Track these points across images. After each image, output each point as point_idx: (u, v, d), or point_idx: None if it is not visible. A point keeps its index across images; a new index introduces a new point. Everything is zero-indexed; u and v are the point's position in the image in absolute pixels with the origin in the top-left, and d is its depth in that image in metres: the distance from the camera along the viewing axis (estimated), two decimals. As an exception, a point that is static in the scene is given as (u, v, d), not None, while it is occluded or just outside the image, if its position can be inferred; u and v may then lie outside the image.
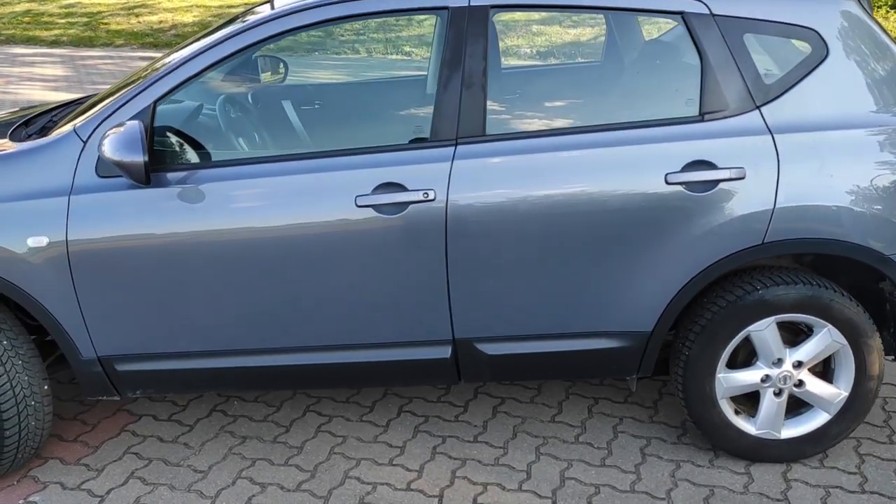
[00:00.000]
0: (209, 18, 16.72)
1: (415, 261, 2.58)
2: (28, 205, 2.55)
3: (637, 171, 2.55)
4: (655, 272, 2.61)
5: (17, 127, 3.02)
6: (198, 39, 3.31)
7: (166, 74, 2.58)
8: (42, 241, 2.54)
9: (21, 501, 2.75)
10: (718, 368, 2.74)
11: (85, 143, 2.57)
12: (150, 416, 3.23)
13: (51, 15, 17.91)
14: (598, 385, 3.34)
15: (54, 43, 15.02)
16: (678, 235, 2.57)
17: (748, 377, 2.76)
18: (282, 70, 3.59)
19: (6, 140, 2.88)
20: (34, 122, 3.10)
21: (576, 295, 2.63)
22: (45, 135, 2.89)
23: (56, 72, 11.31)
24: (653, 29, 3.40)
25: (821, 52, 2.56)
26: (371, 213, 2.54)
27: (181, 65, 2.59)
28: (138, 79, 3.04)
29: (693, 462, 2.87)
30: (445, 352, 2.70)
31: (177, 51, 3.21)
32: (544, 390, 3.30)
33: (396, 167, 2.56)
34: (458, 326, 2.68)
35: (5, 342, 2.66)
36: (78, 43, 15.10)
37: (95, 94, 3.55)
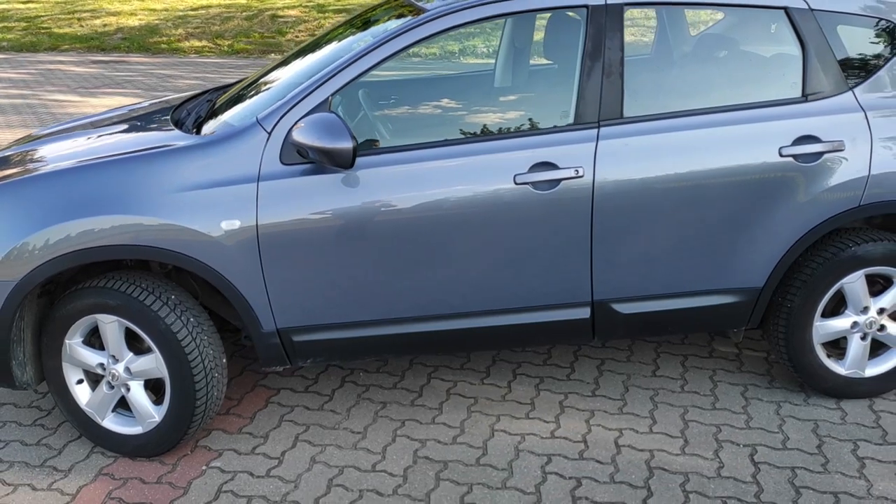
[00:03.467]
0: (156, 21, 16.56)
1: (564, 231, 2.92)
2: (220, 191, 2.78)
3: (755, 145, 2.94)
4: (769, 234, 3.01)
5: (179, 120, 3.25)
6: (326, 39, 3.57)
7: (342, 70, 2.85)
8: (234, 224, 2.78)
9: (204, 467, 2.97)
10: (816, 317, 3.16)
11: (270, 133, 2.82)
12: (288, 389, 3.47)
13: (-14, 20, 17.35)
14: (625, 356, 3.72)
15: (-2, 48, 14.60)
16: (789, 201, 2.98)
17: (840, 324, 3.19)
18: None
19: (176, 130, 3.09)
20: (179, 113, 3.33)
21: (701, 257, 3.01)
22: (199, 126, 3.11)
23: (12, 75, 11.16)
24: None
25: (899, 42, 3.01)
26: (528, 189, 2.86)
27: (354, 61, 2.85)
28: (264, 74, 3.30)
29: (791, 402, 3.28)
30: (585, 312, 3.05)
31: (307, 51, 3.47)
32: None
33: (549, 148, 2.89)
34: (597, 289, 3.03)
35: (192, 319, 2.88)
36: (20, 48, 14.81)
37: (228, 88, 3.78)
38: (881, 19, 3.05)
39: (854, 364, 3.24)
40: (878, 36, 3.07)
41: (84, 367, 2.97)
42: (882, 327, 3.21)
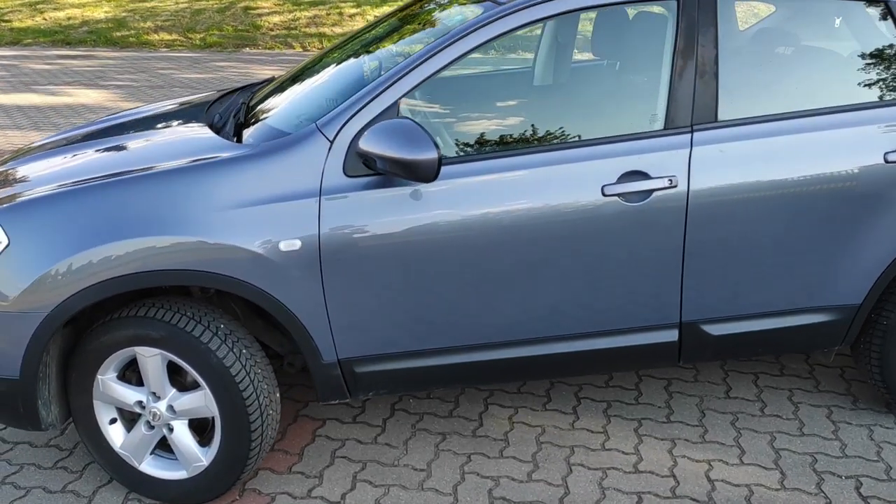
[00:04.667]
0: (123, 14, 16.02)
1: (655, 246, 2.65)
2: (278, 208, 2.46)
3: (857, 151, 2.70)
4: (872, 247, 2.78)
5: (213, 125, 2.92)
6: (368, 35, 3.25)
7: (410, 71, 2.54)
8: (295, 244, 2.46)
9: (257, 515, 2.65)
10: (911, 335, 2.93)
11: (332, 141, 2.50)
12: (334, 419, 3.16)
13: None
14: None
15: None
16: (891, 211, 2.74)
17: (935, 342, 2.97)
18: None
19: (217, 137, 2.76)
20: (211, 117, 2.99)
21: (797, 273, 2.77)
22: (238, 130, 2.79)
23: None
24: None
25: None
26: (617, 201, 2.59)
27: (427, 58, 2.55)
28: (301, 73, 2.98)
29: (881, 425, 3.06)
30: (673, 335, 2.78)
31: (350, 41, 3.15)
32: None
33: (639, 155, 2.62)
34: (686, 309, 2.76)
35: (245, 351, 2.56)
36: (-19, 42, 14.16)
37: (257, 87, 3.44)
38: None
39: (948, 382, 3.03)
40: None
41: (119, 405, 2.64)
42: (977, 344, 2.99)
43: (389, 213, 2.49)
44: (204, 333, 2.49)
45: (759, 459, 2.88)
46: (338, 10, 14.60)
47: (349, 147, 2.50)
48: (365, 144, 2.42)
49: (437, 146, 2.34)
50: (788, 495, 2.70)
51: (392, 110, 2.52)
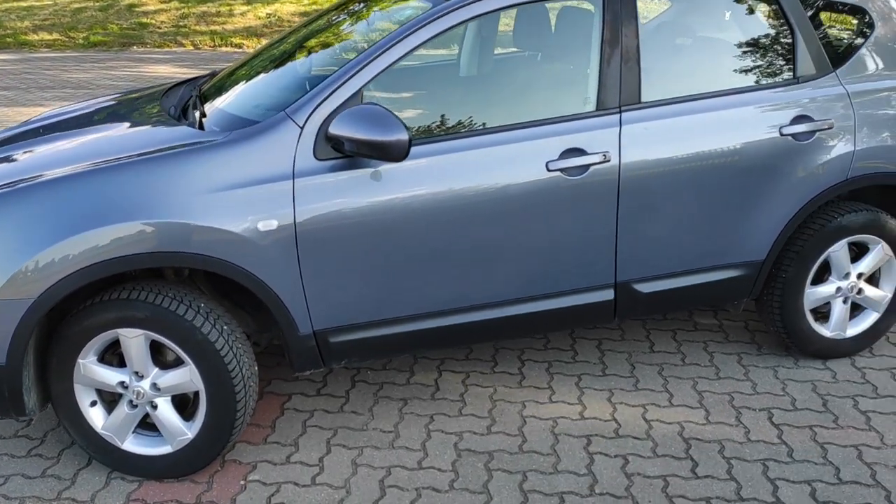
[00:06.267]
0: None
1: (592, 215, 2.98)
2: (254, 190, 2.63)
3: (757, 126, 3.11)
4: (772, 209, 3.19)
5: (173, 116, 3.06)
6: (314, 27, 3.45)
7: (372, 60, 2.76)
8: (272, 224, 2.64)
9: (242, 482, 2.82)
10: (806, 286, 3.38)
11: (302, 128, 2.70)
12: (299, 393, 3.35)
13: None
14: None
15: None
16: (787, 177, 3.17)
17: (826, 290, 3.44)
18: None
19: (185, 126, 2.90)
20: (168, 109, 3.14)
21: (715, 233, 3.15)
22: (199, 119, 2.95)
23: None
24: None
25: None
26: (559, 175, 2.90)
27: (384, 51, 2.77)
28: (248, 63, 3.17)
29: (783, 366, 3.50)
30: (609, 294, 3.12)
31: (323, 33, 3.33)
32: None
33: (576, 134, 2.94)
34: (620, 270, 3.11)
35: (225, 327, 2.72)
36: None
37: (208, 78, 3.57)
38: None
39: (837, 326, 3.49)
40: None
41: (100, 387, 2.75)
42: (860, 291, 3.47)
43: (357, 193, 2.71)
44: (188, 312, 2.64)
45: (685, 401, 3.26)
46: (228, 7, 14.46)
47: (318, 132, 2.70)
48: (336, 129, 2.63)
49: (406, 128, 2.57)
50: (714, 428, 3.08)
51: (356, 97, 2.74)
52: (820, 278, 3.46)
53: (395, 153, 2.57)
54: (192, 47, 13.21)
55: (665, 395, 3.30)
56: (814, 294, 3.42)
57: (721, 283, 3.27)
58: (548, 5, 3.19)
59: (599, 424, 3.11)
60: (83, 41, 13.57)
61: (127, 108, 3.47)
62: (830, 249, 3.36)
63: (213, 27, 13.93)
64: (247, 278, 2.66)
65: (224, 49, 13.07)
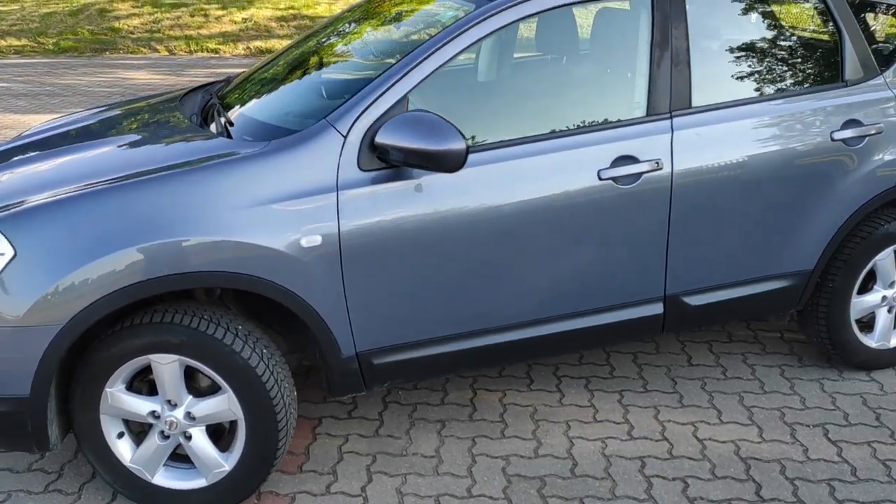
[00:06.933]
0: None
1: (643, 226, 2.84)
2: (297, 204, 2.45)
3: (808, 132, 3.00)
4: (822, 216, 3.09)
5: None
6: (337, 30, 3.27)
7: (419, 63, 2.59)
8: (316, 239, 2.47)
9: (282, 515, 2.64)
10: (852, 295, 3.28)
11: (345, 136, 2.52)
12: (330, 417, 3.17)
13: None
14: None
15: None
16: (838, 183, 3.06)
17: (871, 299, 3.34)
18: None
19: (217, 138, 2.71)
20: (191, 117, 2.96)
21: (765, 243, 3.04)
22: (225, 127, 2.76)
23: None
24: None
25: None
26: (611, 183, 2.76)
27: (430, 55, 2.60)
28: (267, 66, 3.00)
29: (828, 378, 3.39)
30: (658, 308, 2.99)
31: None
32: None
33: (628, 141, 2.80)
34: (669, 283, 2.97)
35: (265, 351, 2.54)
36: None
37: (227, 80, 3.37)
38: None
39: (882, 336, 3.40)
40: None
41: (129, 417, 2.54)
42: (905, 299, 3.38)
43: (404, 205, 2.54)
44: (226, 336, 2.45)
45: (735, 417, 3.13)
46: (202, 12, 14.18)
47: (362, 140, 2.52)
48: (384, 137, 2.46)
49: (463, 137, 2.41)
50: (770, 446, 2.96)
51: (402, 103, 2.57)
52: (864, 288, 3.36)
53: (450, 163, 2.41)
54: (166, 53, 12.92)
55: (713, 411, 3.17)
56: (860, 304, 3.32)
57: (769, 295, 3.15)
58: (591, 7, 3.03)
59: (651, 445, 2.97)
60: (53, 47, 13.21)
61: (139, 117, 3.26)
62: (877, 257, 3.26)
63: (187, 32, 13.64)
64: (288, 298, 2.48)
65: (200, 54, 12.80)
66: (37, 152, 2.98)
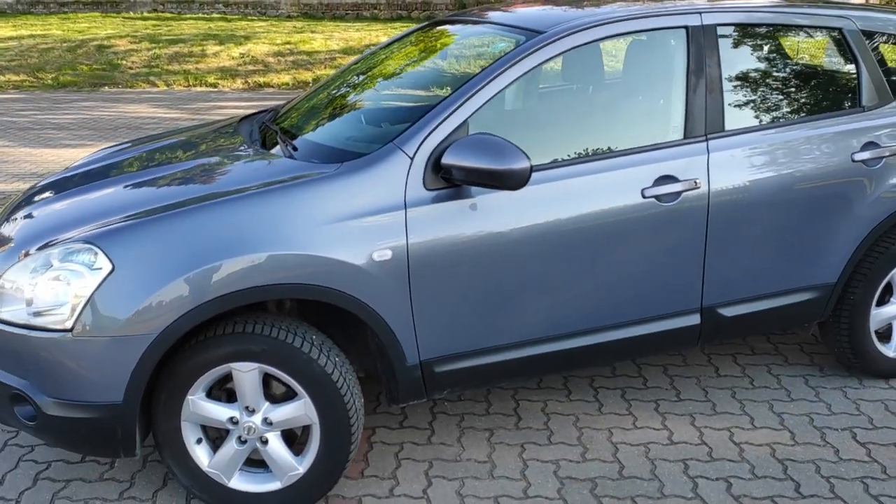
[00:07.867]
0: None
1: (682, 240, 3.04)
2: (369, 221, 2.63)
3: (830, 153, 3.22)
4: (844, 232, 3.30)
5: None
6: (386, 58, 3.47)
7: (479, 89, 2.79)
8: (386, 254, 2.64)
9: (352, 517, 2.77)
10: (872, 307, 3.49)
11: (412, 158, 2.71)
12: (383, 427, 3.31)
13: None
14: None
15: None
16: (859, 201, 3.28)
17: (889, 311, 3.55)
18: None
19: (284, 158, 2.90)
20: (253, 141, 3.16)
21: (793, 257, 3.24)
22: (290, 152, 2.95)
23: None
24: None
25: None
26: (653, 201, 2.96)
27: (489, 82, 2.81)
28: (320, 91, 3.19)
29: (850, 386, 3.59)
30: (695, 319, 3.18)
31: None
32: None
33: (668, 161, 3.01)
34: (706, 295, 3.16)
35: (338, 359, 2.69)
36: None
37: (275, 110, 3.55)
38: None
39: (901, 346, 3.60)
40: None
41: (208, 423, 2.68)
42: (920, 311, 3.59)
43: (466, 222, 2.72)
44: (303, 344, 2.60)
45: (767, 423, 3.31)
46: (200, 48, 14.40)
47: (427, 161, 2.71)
48: (450, 158, 2.65)
49: (527, 156, 2.60)
50: (804, 448, 3.13)
51: (463, 127, 2.76)
52: (882, 300, 3.56)
53: (516, 181, 2.60)
54: (165, 87, 13.09)
55: (746, 417, 3.35)
56: (878, 315, 3.52)
57: (796, 306, 3.35)
58: (635, 37, 3.26)
59: (691, 448, 3.13)
60: (52, 82, 13.35)
61: (203, 144, 3.42)
62: (894, 271, 3.46)
63: (185, 66, 13.84)
64: (361, 309, 2.64)
65: (199, 89, 12.98)
66: (103, 179, 3.13)
